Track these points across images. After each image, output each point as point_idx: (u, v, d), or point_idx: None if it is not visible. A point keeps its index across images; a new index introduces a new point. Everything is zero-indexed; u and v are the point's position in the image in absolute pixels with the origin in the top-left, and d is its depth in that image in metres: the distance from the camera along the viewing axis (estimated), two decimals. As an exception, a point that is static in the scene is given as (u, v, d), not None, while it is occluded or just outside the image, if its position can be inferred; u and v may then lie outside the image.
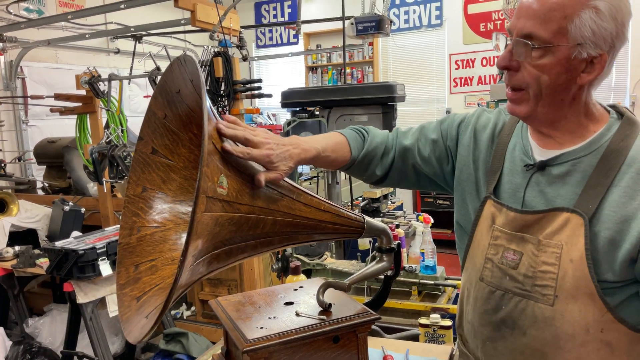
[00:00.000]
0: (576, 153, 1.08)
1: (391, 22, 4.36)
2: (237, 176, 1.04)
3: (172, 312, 3.69)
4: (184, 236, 1.22)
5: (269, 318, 1.23)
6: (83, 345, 3.14)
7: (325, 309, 1.25)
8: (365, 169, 1.36)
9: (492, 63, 7.15)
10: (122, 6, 3.41)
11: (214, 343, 2.26)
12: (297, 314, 1.24)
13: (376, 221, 1.33)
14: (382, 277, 1.42)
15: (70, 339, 3.06)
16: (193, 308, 3.75)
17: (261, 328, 1.17)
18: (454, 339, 1.73)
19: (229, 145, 1.00)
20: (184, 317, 3.73)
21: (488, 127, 1.26)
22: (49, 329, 3.44)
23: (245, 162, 1.05)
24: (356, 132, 1.37)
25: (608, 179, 1.02)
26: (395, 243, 1.34)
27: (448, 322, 1.80)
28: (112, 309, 2.96)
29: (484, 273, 1.18)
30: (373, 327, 1.59)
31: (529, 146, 1.16)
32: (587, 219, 1.02)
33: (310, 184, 4.59)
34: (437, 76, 7.70)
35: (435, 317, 1.80)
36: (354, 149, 1.33)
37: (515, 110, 1.10)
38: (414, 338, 1.66)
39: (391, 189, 4.41)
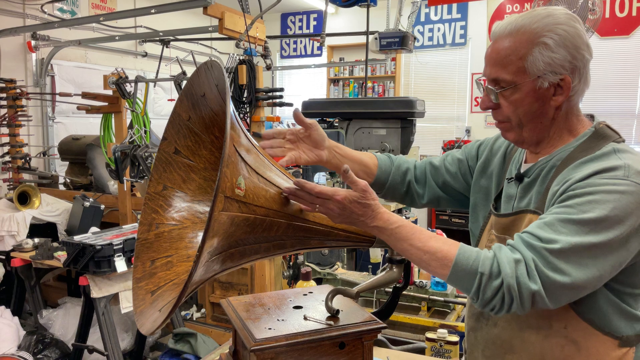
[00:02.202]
0: (545, 159, 1.20)
1: (415, 38, 4.40)
2: (255, 179, 1.08)
3: (183, 313, 3.73)
4: (200, 235, 1.26)
5: (278, 320, 1.25)
6: (94, 339, 3.19)
7: (333, 314, 1.28)
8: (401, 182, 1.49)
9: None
10: (152, 10, 3.51)
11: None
12: (305, 318, 1.26)
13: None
14: (391, 288, 1.44)
15: (82, 332, 3.12)
16: (203, 310, 3.79)
17: (269, 329, 1.20)
18: (460, 355, 1.74)
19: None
20: (194, 319, 3.77)
21: (503, 145, 1.40)
22: (62, 321, 3.50)
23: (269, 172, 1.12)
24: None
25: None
26: (406, 255, 1.36)
27: (455, 338, 1.80)
28: (125, 306, 3.01)
29: None
30: (380, 337, 1.60)
31: (521, 161, 1.30)
32: None
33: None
34: (459, 94, 7.70)
35: (442, 332, 1.81)
36: (380, 158, 1.48)
37: (506, 136, 1.25)
38: (420, 351, 1.67)
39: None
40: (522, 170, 1.26)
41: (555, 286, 0.99)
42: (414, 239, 1.08)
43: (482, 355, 1.28)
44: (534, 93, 1.14)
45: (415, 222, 4.82)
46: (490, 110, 1.24)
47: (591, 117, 1.22)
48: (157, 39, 4.33)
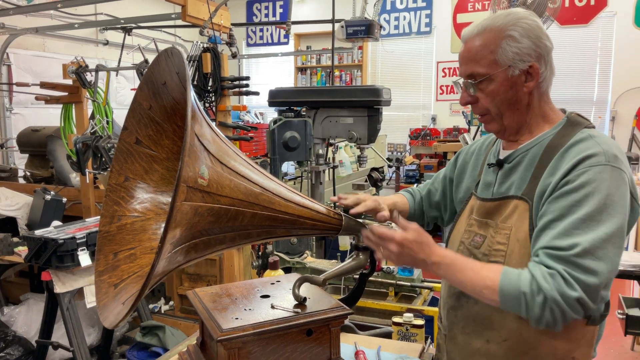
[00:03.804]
0: (526, 147, 1.31)
1: (381, 27, 4.40)
2: (219, 168, 1.07)
3: (150, 306, 3.68)
4: (164, 226, 1.24)
5: (245, 310, 1.25)
6: (59, 335, 3.12)
7: (300, 302, 1.28)
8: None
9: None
10: (112, -3, 3.41)
11: (190, 336, 2.26)
12: (273, 307, 1.26)
13: (355, 220, 1.36)
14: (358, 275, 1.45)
15: (46, 329, 3.04)
16: (171, 302, 3.74)
17: (236, 319, 1.20)
18: (426, 339, 1.77)
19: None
20: (162, 311, 3.72)
21: (478, 146, 1.54)
22: (25, 318, 3.41)
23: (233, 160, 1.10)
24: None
25: (545, 168, 1.23)
26: (372, 241, 1.37)
27: (420, 322, 1.84)
28: (90, 300, 2.95)
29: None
30: (347, 323, 1.62)
31: (499, 150, 1.41)
32: (532, 204, 1.22)
33: (294, 184, 4.61)
34: (424, 83, 7.78)
35: (408, 316, 1.84)
36: (406, 195, 1.69)
37: (489, 129, 1.36)
38: (387, 336, 1.70)
39: (374, 190, 4.45)
40: (501, 157, 1.36)
41: (592, 288, 1.08)
42: (466, 271, 1.18)
43: (462, 332, 1.36)
44: (507, 81, 1.25)
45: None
46: (470, 106, 1.34)
47: (563, 111, 1.34)
48: (119, 26, 4.21)
